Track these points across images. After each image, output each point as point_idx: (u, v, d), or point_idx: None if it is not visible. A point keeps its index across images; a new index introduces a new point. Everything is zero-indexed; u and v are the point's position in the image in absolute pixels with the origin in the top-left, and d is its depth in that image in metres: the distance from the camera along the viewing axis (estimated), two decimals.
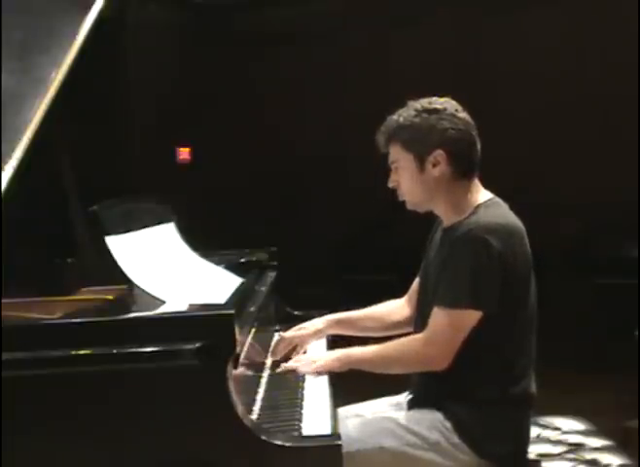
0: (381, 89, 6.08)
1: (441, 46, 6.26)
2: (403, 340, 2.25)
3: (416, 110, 2.23)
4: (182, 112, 6.36)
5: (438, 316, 2.15)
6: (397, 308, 2.57)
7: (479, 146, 2.26)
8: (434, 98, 2.26)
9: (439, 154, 2.20)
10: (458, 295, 2.11)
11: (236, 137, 6.59)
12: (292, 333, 2.55)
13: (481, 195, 2.26)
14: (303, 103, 6.47)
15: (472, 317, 2.12)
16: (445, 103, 2.24)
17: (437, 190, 2.24)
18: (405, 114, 2.24)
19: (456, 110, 2.24)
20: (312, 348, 2.61)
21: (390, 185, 2.31)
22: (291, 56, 6.45)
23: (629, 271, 5.32)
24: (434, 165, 2.21)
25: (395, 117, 2.26)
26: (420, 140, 2.21)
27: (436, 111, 2.22)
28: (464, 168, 2.23)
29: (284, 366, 2.36)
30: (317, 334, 2.56)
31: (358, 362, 2.27)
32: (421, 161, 2.22)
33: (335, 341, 2.65)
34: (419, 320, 2.34)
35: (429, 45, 6.22)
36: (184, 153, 6.68)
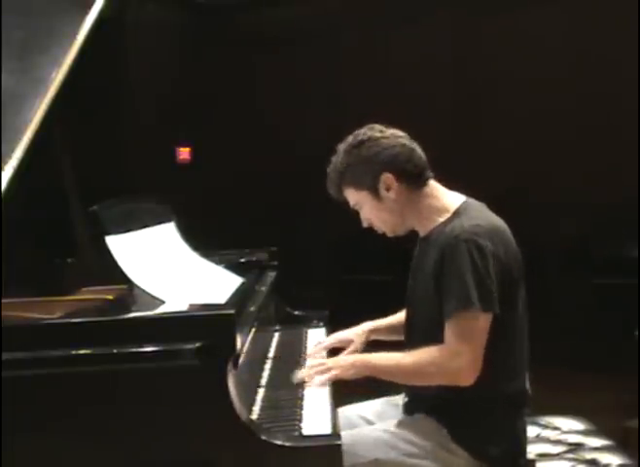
0: (381, 89, 6.09)
1: (440, 46, 6.25)
2: (423, 353, 2.14)
3: (345, 151, 2.27)
4: (182, 112, 6.36)
5: (452, 328, 2.08)
6: None
7: (419, 150, 2.27)
8: (356, 132, 2.29)
9: (386, 177, 2.22)
10: (466, 301, 2.06)
11: (236, 137, 6.59)
12: (332, 341, 2.54)
13: (452, 197, 2.26)
14: (303, 103, 6.47)
15: (485, 320, 2.07)
16: (368, 131, 2.27)
17: (402, 209, 2.25)
18: (338, 159, 2.28)
19: (380, 131, 2.26)
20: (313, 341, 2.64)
21: (365, 225, 2.35)
22: (291, 56, 6.45)
23: (629, 271, 5.32)
24: (387, 190, 2.23)
25: (332, 166, 2.30)
26: (363, 175, 2.24)
27: (362, 142, 2.25)
28: (415, 178, 2.24)
29: (300, 375, 2.26)
30: (361, 345, 2.51)
31: (376, 371, 2.19)
32: (375, 191, 2.24)
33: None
34: (407, 332, 2.33)
35: (429, 45, 6.21)
36: (184, 153, 6.68)
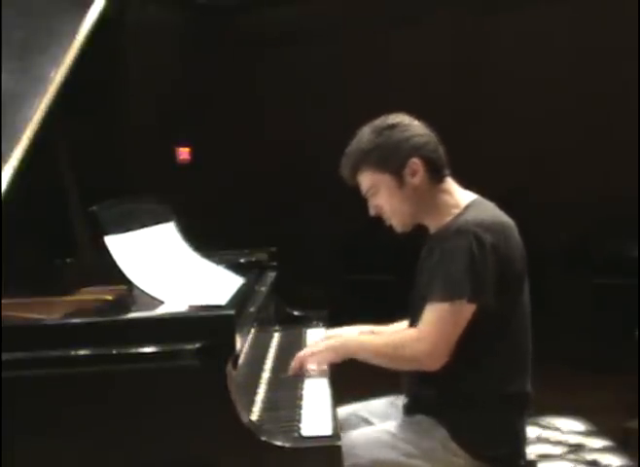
0: (381, 89, 6.10)
1: (440, 46, 6.26)
2: (400, 335, 2.22)
3: (375, 131, 2.23)
4: (182, 112, 6.36)
5: (429, 311, 2.11)
6: None
7: (441, 148, 2.27)
8: (383, 116, 2.27)
9: (413, 162, 2.21)
10: (449, 288, 2.08)
11: (236, 137, 6.60)
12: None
13: (464, 195, 2.27)
14: (303, 103, 6.48)
15: (465, 310, 2.08)
16: (398, 117, 2.26)
17: (420, 200, 2.23)
18: (364, 139, 2.24)
19: (409, 119, 2.26)
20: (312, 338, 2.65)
21: (372, 213, 2.31)
22: (291, 56, 6.46)
23: (629, 271, 5.32)
24: (413, 175, 2.21)
25: (354, 146, 2.26)
26: (391, 156, 2.21)
27: (393, 126, 2.23)
28: (438, 170, 2.25)
29: (290, 368, 2.31)
30: None
31: (356, 353, 2.23)
32: (399, 175, 2.22)
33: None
34: (409, 324, 2.33)
35: (429, 45, 6.22)
36: (184, 153, 6.69)
